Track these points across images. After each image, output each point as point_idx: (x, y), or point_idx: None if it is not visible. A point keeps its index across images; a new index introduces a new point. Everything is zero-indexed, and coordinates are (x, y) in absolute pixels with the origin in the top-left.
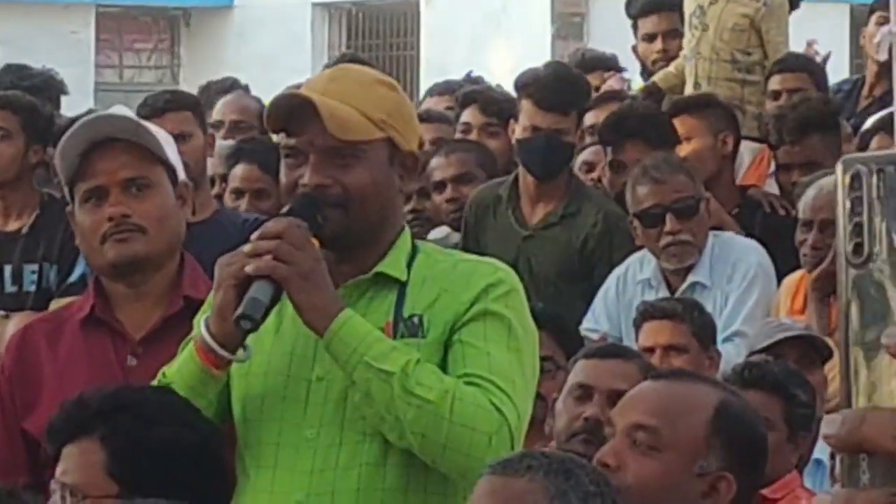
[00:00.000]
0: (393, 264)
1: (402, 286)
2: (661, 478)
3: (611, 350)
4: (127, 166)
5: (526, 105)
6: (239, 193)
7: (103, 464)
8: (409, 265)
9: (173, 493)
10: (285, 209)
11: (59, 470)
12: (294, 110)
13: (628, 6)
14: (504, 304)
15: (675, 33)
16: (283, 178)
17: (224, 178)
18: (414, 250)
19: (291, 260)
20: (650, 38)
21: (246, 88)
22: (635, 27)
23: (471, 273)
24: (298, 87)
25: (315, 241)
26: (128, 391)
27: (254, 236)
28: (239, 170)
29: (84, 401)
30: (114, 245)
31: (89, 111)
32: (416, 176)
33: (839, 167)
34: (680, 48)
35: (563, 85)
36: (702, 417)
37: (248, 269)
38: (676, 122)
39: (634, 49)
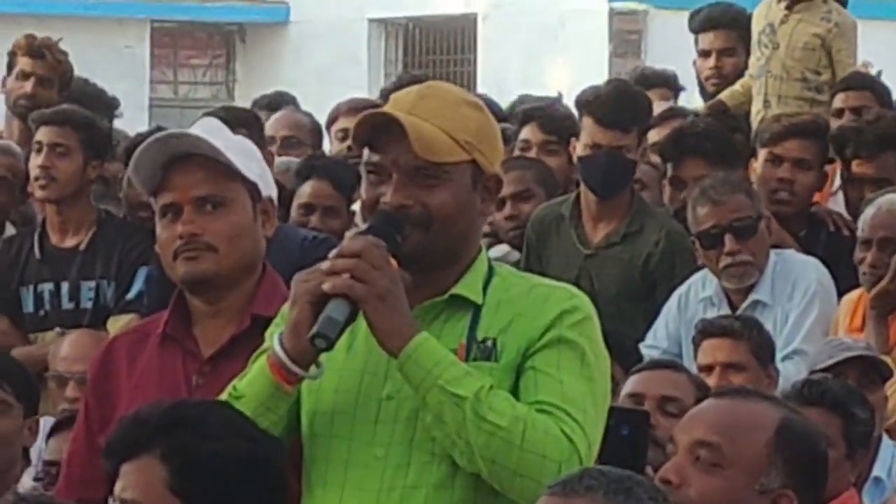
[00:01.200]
0: (469, 286)
1: (476, 309)
2: (723, 495)
3: (660, 362)
4: (201, 183)
5: (587, 122)
6: (309, 209)
7: (164, 481)
8: (484, 287)
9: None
10: (364, 227)
11: (118, 487)
12: (380, 127)
13: (691, 20)
14: (578, 331)
15: (730, 52)
16: (363, 193)
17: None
18: (490, 273)
19: (369, 280)
20: (705, 54)
21: (294, 102)
22: (696, 42)
23: (546, 298)
24: (373, 104)
25: (393, 262)
26: (186, 406)
27: (332, 254)
28: (309, 186)
29: (142, 417)
30: (183, 262)
31: (157, 128)
32: (496, 197)
33: None
34: (735, 67)
35: (624, 102)
36: (764, 435)
37: (326, 286)
38: (792, 144)
39: (695, 63)
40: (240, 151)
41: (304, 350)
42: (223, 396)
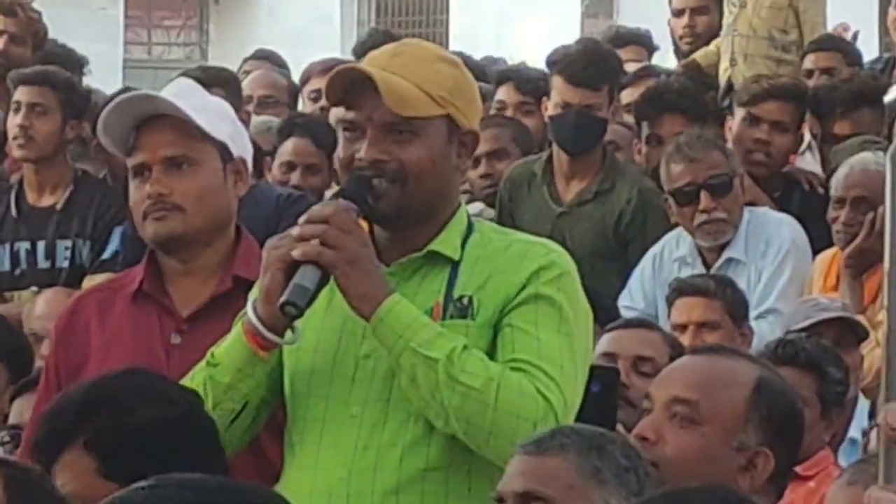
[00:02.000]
0: (446, 243)
1: (454, 265)
2: (699, 451)
3: (633, 321)
4: (169, 144)
5: (557, 81)
6: (290, 167)
7: (95, 470)
8: (463, 244)
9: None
10: (336, 190)
11: (57, 483)
12: (353, 84)
13: None
14: (556, 287)
15: (703, 10)
16: (339, 152)
17: (266, 153)
18: (469, 229)
19: (338, 245)
20: (679, 13)
21: (282, 62)
22: (670, 1)
23: (523, 255)
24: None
25: (364, 224)
26: (98, 387)
27: (301, 219)
28: (291, 143)
29: (58, 409)
30: (152, 223)
31: (127, 89)
32: (473, 153)
33: (889, 159)
34: (708, 25)
35: (593, 60)
36: (741, 393)
37: (295, 253)
38: (771, 105)
39: (669, 23)
40: (211, 112)
41: (278, 316)
42: (202, 363)
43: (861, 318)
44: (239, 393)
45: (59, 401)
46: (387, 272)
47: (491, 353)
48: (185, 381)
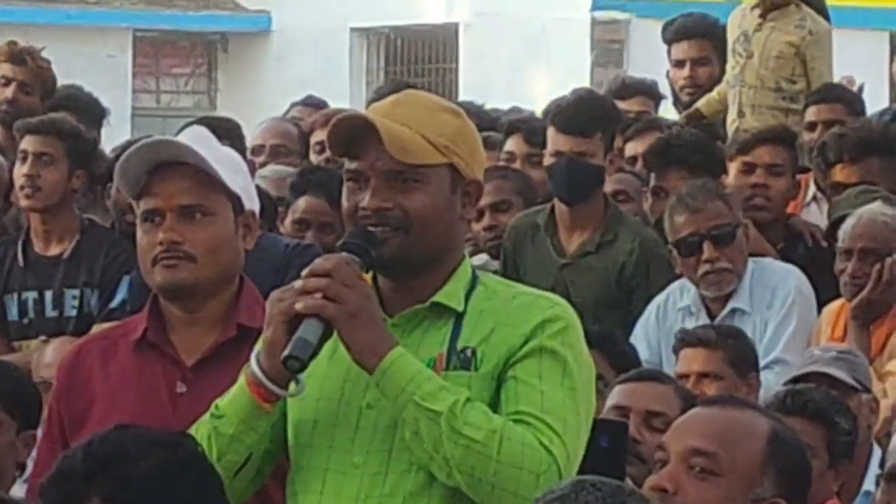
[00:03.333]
0: (450, 294)
1: (458, 317)
2: (719, 503)
3: (646, 374)
4: (186, 192)
5: (550, 131)
6: (304, 225)
7: None
8: (467, 296)
9: None
10: (339, 243)
11: None
12: (356, 133)
13: (664, 31)
14: (560, 340)
15: (704, 61)
16: (343, 202)
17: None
18: (474, 281)
19: (340, 298)
20: (679, 64)
21: (320, 103)
22: (669, 53)
23: (528, 307)
24: (334, 110)
25: (367, 278)
26: (99, 445)
27: (304, 273)
28: (304, 201)
29: (65, 472)
30: (162, 270)
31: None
32: (477, 203)
33: None
34: (709, 76)
35: (585, 108)
36: (758, 444)
37: (298, 306)
38: (762, 151)
39: (668, 74)
40: (226, 163)
41: (281, 369)
42: (206, 416)
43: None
44: (243, 445)
45: (63, 465)
46: (390, 323)
47: (494, 405)
48: (191, 432)
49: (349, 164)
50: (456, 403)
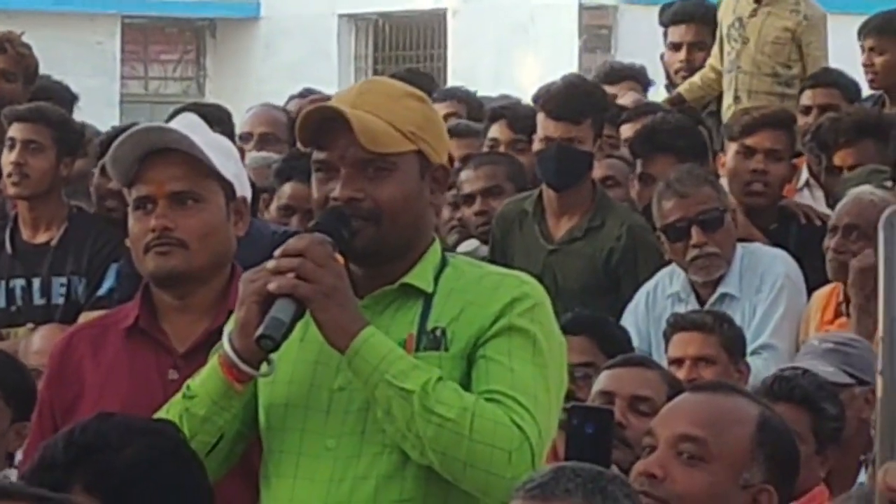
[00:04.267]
0: (419, 276)
1: (427, 298)
2: (708, 489)
3: (632, 359)
4: (177, 178)
5: (540, 117)
6: (289, 211)
7: None
8: (437, 278)
9: (170, 497)
10: (311, 224)
11: None
12: (325, 124)
13: (661, 13)
14: (529, 318)
15: (700, 45)
16: (314, 193)
17: (263, 190)
18: (443, 263)
19: (313, 278)
20: (676, 47)
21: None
22: (665, 35)
23: (496, 286)
24: (326, 99)
25: (339, 258)
26: (80, 433)
27: (277, 253)
28: (289, 188)
29: (46, 462)
30: (154, 257)
31: (132, 125)
32: (446, 189)
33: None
34: (705, 60)
35: (575, 94)
36: (746, 430)
37: (271, 286)
38: (763, 135)
39: (662, 57)
40: (218, 149)
41: (253, 349)
42: (178, 396)
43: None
44: (214, 426)
45: (45, 453)
46: (360, 305)
47: (465, 384)
48: (161, 414)
49: (318, 155)
50: (428, 382)
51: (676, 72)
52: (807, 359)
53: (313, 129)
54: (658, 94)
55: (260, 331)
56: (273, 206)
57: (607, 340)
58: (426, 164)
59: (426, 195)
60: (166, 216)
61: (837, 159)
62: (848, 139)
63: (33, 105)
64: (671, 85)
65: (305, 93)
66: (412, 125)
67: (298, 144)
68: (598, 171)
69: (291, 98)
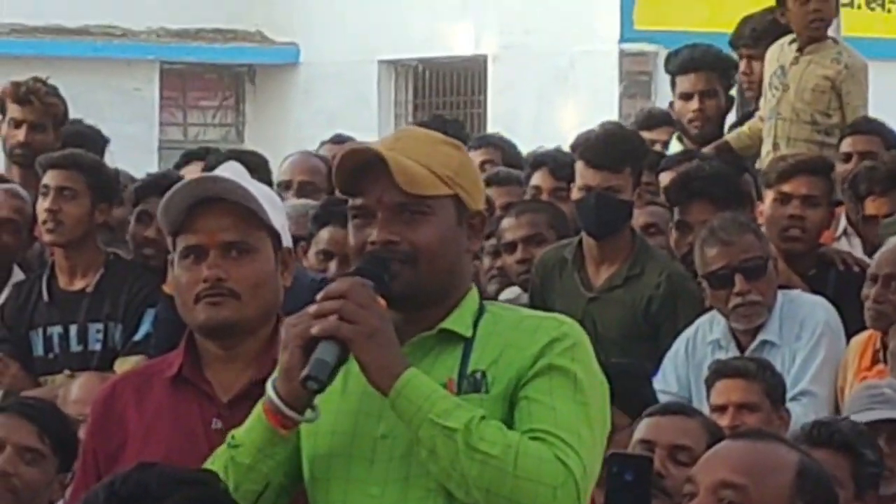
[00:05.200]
0: (458, 321)
1: (467, 343)
2: None
3: (672, 407)
4: (229, 229)
5: (579, 166)
6: (327, 256)
7: None
8: (475, 323)
9: None
10: (352, 269)
11: None
12: (362, 168)
13: (667, 63)
14: (570, 357)
15: (712, 93)
16: (351, 239)
17: (301, 238)
18: (481, 309)
19: (356, 320)
20: (687, 97)
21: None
22: (673, 84)
23: (535, 328)
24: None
25: (381, 301)
26: (122, 483)
27: (319, 296)
28: (327, 233)
29: None
30: (206, 307)
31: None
32: (483, 236)
33: None
34: (717, 108)
35: (613, 143)
36: (786, 477)
37: (314, 330)
38: (799, 181)
39: (671, 106)
40: (265, 199)
41: (298, 394)
42: (223, 447)
43: None
44: (260, 474)
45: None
46: None
47: (507, 426)
48: (207, 465)
49: (354, 201)
50: (472, 420)
51: (690, 121)
52: (886, 410)
53: (350, 173)
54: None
55: (305, 372)
56: (311, 252)
57: (625, 396)
58: (463, 209)
59: (463, 241)
60: (219, 266)
61: (872, 208)
62: (883, 189)
63: (67, 152)
64: (684, 134)
65: (337, 139)
66: (449, 170)
67: (336, 190)
68: (639, 219)
69: (323, 143)
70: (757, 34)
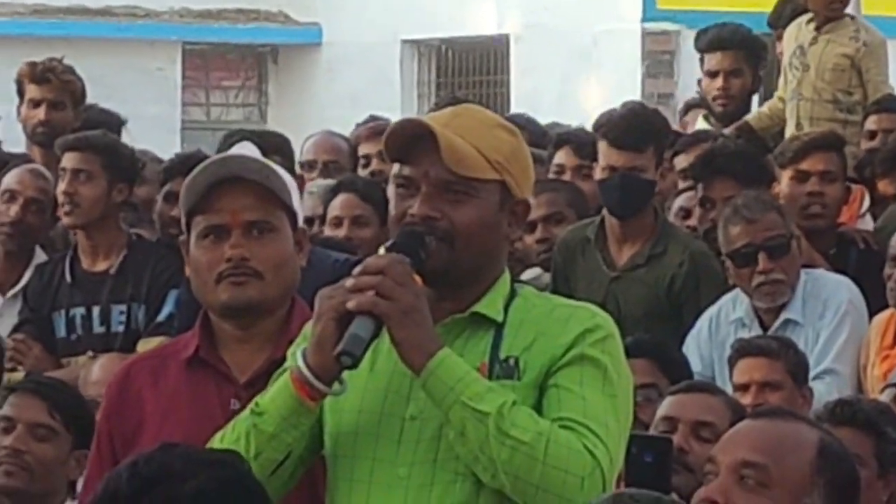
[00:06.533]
0: (490, 305)
1: (498, 328)
2: None
3: (696, 385)
4: (251, 208)
5: (602, 145)
6: (338, 222)
7: None
8: (506, 307)
9: None
10: (388, 244)
11: None
12: (412, 139)
13: (697, 40)
14: (601, 349)
15: (737, 72)
16: (392, 208)
17: (321, 220)
18: (512, 293)
19: (393, 296)
20: (712, 74)
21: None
22: (702, 61)
23: (568, 318)
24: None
25: (417, 278)
26: (144, 464)
27: (356, 271)
28: (338, 200)
29: (110, 493)
30: (228, 287)
31: (180, 154)
32: (524, 224)
33: None
34: (742, 87)
35: (637, 123)
36: (807, 455)
37: (350, 304)
38: (815, 158)
39: (699, 83)
40: (282, 179)
41: (328, 366)
42: (245, 413)
43: None
44: (283, 443)
45: (108, 485)
46: None
47: (537, 413)
48: (227, 431)
49: (401, 170)
50: (504, 405)
51: (714, 99)
52: None
53: (402, 142)
54: (698, 122)
55: (340, 347)
56: (327, 222)
57: (668, 363)
58: (507, 196)
59: (503, 226)
60: (242, 246)
61: (881, 188)
62: (884, 170)
63: (81, 134)
64: (710, 112)
65: (371, 120)
66: (500, 155)
67: (374, 166)
68: (676, 203)
69: (358, 126)
70: (797, 14)
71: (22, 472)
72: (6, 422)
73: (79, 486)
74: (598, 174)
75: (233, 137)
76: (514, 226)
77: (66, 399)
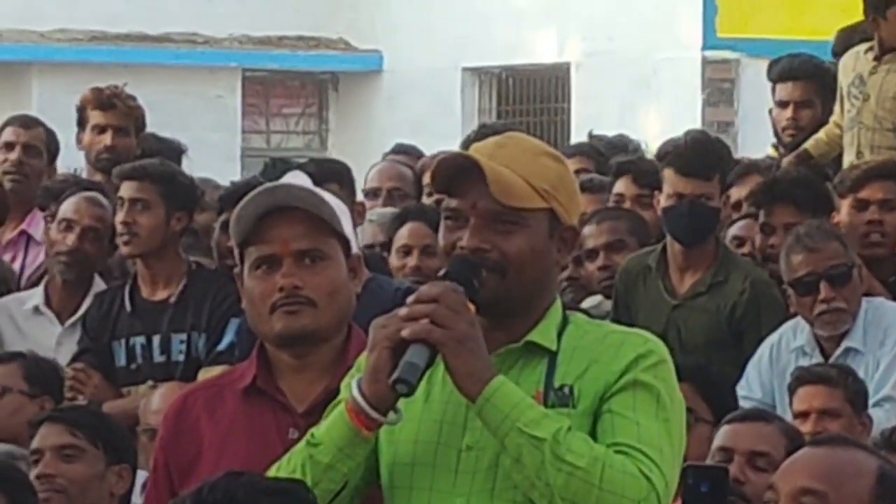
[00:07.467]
0: (543, 334)
1: (552, 356)
2: None
3: (751, 414)
4: (302, 237)
5: (668, 173)
6: (407, 250)
7: None
8: (559, 335)
9: None
10: (441, 272)
11: None
12: (459, 171)
13: (769, 70)
14: (653, 374)
15: (808, 103)
16: (441, 239)
17: (383, 248)
18: (564, 321)
19: (447, 324)
20: (783, 105)
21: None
22: (773, 91)
23: (620, 344)
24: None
25: (471, 306)
26: (210, 491)
27: (410, 300)
28: (406, 228)
29: None
30: (282, 316)
31: (236, 182)
32: (573, 250)
33: None
34: (812, 118)
35: (703, 151)
36: (866, 483)
37: (405, 333)
38: (874, 187)
39: (770, 112)
40: (334, 206)
41: (384, 395)
42: (300, 444)
43: None
44: (339, 473)
45: None
46: None
47: (592, 440)
48: (283, 463)
49: (449, 202)
50: (559, 431)
51: (783, 129)
52: None
53: (449, 175)
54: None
55: (396, 375)
56: (392, 252)
57: (708, 387)
58: (556, 223)
59: (553, 254)
60: (294, 275)
61: None
62: None
63: (138, 163)
64: (779, 142)
65: (399, 149)
66: (546, 183)
67: (430, 191)
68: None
69: (386, 155)
70: (861, 42)
71: (57, 496)
72: (36, 454)
73: (133, 500)
74: (664, 202)
75: (275, 166)
76: (563, 252)
77: (85, 417)
